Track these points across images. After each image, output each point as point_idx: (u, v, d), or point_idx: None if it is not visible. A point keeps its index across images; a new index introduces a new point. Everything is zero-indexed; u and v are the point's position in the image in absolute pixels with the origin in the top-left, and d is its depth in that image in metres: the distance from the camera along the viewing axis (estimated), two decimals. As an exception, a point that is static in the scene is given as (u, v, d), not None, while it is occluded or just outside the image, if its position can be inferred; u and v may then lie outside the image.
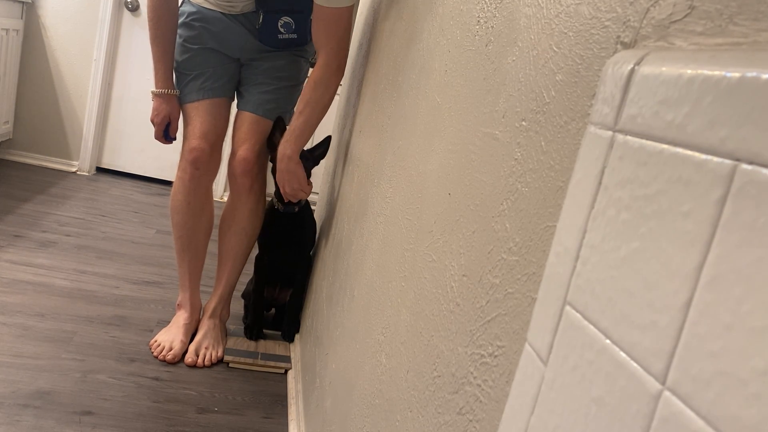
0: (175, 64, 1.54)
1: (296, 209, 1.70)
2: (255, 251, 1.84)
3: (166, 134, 1.59)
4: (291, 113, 1.63)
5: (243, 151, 1.59)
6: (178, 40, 1.52)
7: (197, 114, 1.56)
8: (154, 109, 1.54)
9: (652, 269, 0.28)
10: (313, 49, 1.59)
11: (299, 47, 1.60)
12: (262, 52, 1.57)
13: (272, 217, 1.72)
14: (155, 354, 1.57)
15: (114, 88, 3.20)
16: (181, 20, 1.51)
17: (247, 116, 1.59)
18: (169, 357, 1.55)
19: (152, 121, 1.56)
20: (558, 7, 0.47)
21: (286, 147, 1.49)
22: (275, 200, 1.71)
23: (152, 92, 1.52)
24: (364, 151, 1.27)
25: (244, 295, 1.89)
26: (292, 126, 1.50)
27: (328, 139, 1.68)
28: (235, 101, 1.66)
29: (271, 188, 1.66)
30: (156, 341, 1.60)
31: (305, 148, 1.57)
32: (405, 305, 0.75)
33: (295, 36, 1.52)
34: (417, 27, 0.97)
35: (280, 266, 1.78)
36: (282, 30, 1.50)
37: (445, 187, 0.67)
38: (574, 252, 0.35)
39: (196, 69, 1.53)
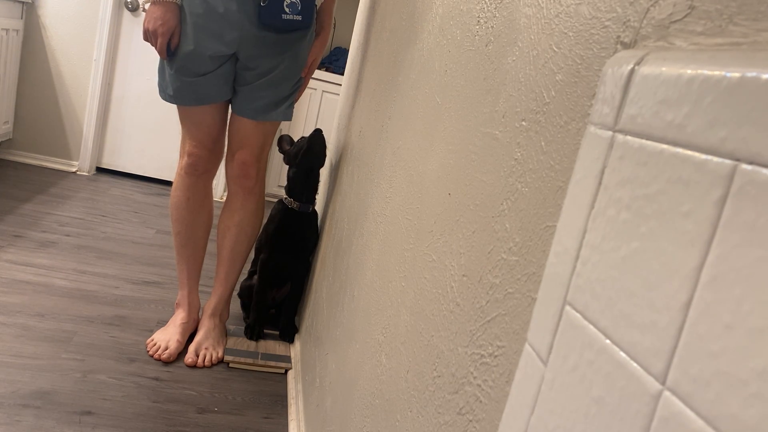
0: (174, 58, 1.44)
1: (310, 208, 1.71)
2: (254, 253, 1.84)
3: (167, 48, 1.41)
4: (291, 103, 1.58)
5: (242, 155, 1.57)
6: (182, 25, 1.41)
7: (193, 118, 1.52)
8: (158, 18, 1.35)
9: (652, 269, 0.28)
10: (313, 35, 1.56)
11: (301, 31, 1.49)
12: (261, 45, 1.46)
13: (286, 219, 1.72)
14: (150, 353, 1.56)
15: (114, 88, 3.20)
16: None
17: (246, 122, 1.54)
18: (164, 356, 1.55)
19: (153, 31, 1.36)
20: (558, 7, 0.47)
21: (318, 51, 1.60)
22: (290, 200, 1.71)
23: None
24: (364, 151, 1.27)
25: (240, 294, 1.89)
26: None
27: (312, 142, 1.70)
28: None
29: (270, 189, 1.66)
30: (152, 340, 1.60)
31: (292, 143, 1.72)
32: (405, 305, 0.75)
33: (299, 18, 1.44)
34: (417, 27, 0.97)
35: (282, 268, 1.78)
36: (287, 10, 1.42)
37: (445, 187, 0.67)
38: (574, 252, 0.35)
39: (190, 75, 1.45)
